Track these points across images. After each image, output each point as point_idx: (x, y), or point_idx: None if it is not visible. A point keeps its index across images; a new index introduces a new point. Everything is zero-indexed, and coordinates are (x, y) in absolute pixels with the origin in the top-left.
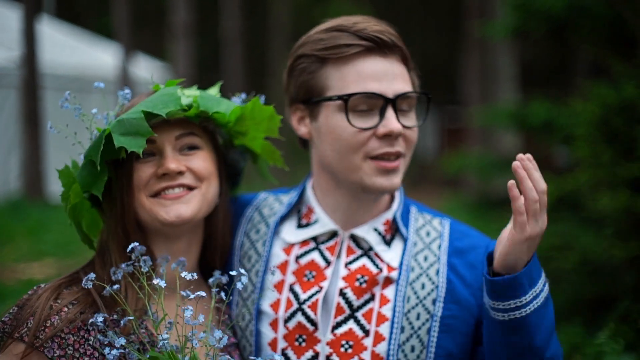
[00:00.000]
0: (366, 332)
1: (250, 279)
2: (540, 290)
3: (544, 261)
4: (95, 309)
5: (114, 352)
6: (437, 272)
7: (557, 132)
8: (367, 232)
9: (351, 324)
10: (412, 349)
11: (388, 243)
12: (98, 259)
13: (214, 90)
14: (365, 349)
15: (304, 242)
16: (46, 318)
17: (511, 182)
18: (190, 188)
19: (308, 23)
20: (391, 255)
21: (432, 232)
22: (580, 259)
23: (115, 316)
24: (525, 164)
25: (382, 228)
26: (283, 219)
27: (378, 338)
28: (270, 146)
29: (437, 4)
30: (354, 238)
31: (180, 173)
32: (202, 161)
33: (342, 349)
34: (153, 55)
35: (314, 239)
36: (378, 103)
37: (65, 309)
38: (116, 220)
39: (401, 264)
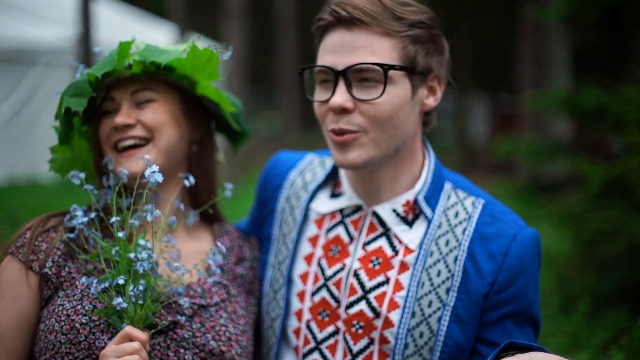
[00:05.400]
0: (377, 314)
1: (286, 244)
2: None
3: (591, 246)
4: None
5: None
6: (456, 259)
7: (608, 118)
8: (386, 213)
9: (362, 305)
10: (421, 335)
11: (410, 223)
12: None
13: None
14: (376, 328)
15: (332, 215)
16: (24, 233)
17: None
18: (145, 139)
19: None
20: (411, 236)
21: (461, 213)
22: (629, 245)
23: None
24: None
25: (401, 209)
26: (320, 186)
27: (388, 324)
28: (217, 91)
29: None
30: (376, 215)
31: (129, 126)
32: (152, 113)
33: (354, 329)
34: (207, 35)
35: (341, 211)
36: (332, 76)
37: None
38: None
39: (420, 247)
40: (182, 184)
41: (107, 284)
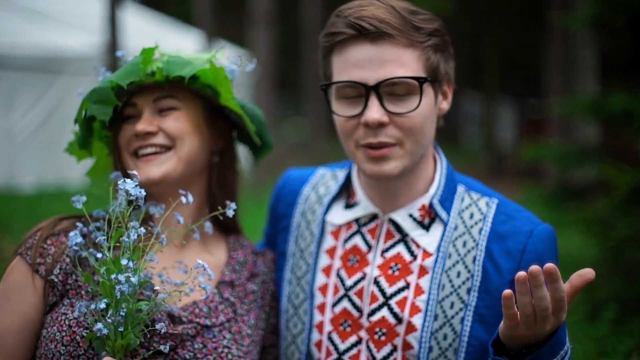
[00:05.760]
0: (399, 320)
1: (304, 258)
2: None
3: (618, 252)
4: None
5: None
6: (474, 259)
7: (635, 123)
8: (403, 219)
9: (384, 312)
10: (445, 337)
11: (427, 227)
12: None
13: (218, 54)
14: (398, 335)
15: (349, 225)
16: (35, 234)
17: (508, 292)
18: (166, 147)
19: None
20: (429, 240)
21: (475, 214)
22: None
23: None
24: (534, 280)
25: (417, 214)
26: (335, 198)
27: (410, 328)
28: (237, 106)
29: None
30: (393, 221)
31: (151, 133)
32: (174, 121)
33: (376, 336)
34: (234, 42)
35: (357, 221)
36: (362, 91)
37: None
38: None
39: (438, 250)
40: (204, 196)
41: (93, 307)
